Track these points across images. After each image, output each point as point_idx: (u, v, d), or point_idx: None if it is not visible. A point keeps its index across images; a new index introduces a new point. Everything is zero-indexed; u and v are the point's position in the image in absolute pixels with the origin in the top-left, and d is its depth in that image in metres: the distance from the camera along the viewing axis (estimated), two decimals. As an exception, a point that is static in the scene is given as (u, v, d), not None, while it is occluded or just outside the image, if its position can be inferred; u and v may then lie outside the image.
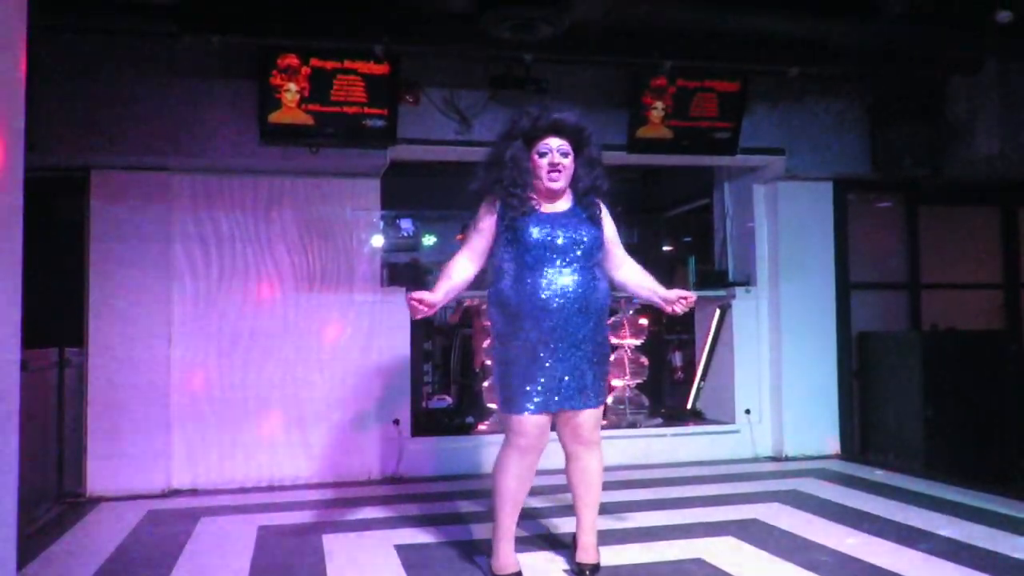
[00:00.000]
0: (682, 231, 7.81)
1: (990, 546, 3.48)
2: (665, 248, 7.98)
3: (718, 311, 5.99)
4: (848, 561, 3.31)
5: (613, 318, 6.08)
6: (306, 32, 4.53)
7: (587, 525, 3.13)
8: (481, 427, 5.56)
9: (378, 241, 5.30)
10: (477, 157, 5.10)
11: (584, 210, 3.10)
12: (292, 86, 4.63)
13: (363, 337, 5.14)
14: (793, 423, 5.68)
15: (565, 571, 3.20)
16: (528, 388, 2.94)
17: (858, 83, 5.61)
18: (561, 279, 2.97)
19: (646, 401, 5.96)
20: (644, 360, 6.01)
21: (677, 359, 6.71)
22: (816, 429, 5.71)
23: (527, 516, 3.68)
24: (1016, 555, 3.34)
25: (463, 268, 3.07)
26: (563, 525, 3.77)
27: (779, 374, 5.73)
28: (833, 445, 5.72)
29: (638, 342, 6.01)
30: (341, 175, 5.17)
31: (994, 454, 5.57)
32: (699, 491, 4.65)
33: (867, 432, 5.89)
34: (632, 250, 7.73)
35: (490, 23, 4.33)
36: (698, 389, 6.19)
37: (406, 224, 6.97)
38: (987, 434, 5.58)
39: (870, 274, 6.16)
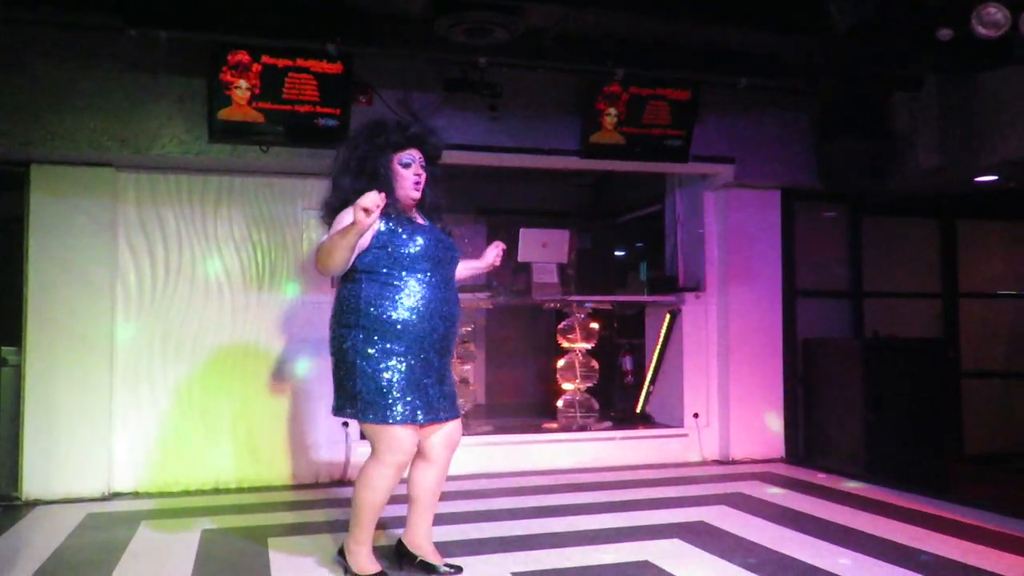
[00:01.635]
0: (635, 237, 7.90)
1: (921, 545, 3.59)
2: (618, 253, 8.06)
3: (668, 316, 6.07)
4: (788, 562, 3.38)
5: (564, 322, 6.13)
6: (257, 30, 4.46)
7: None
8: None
9: (329, 242, 5.25)
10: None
11: (436, 224, 3.16)
12: (243, 83, 4.57)
13: (312, 338, 5.08)
14: (739, 427, 5.78)
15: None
16: (410, 398, 2.94)
17: (806, 96, 5.73)
18: (438, 291, 3.02)
19: (596, 405, 6.01)
20: (594, 364, 6.05)
21: (627, 363, 6.77)
22: (761, 433, 5.82)
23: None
24: (945, 555, 3.46)
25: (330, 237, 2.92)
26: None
27: (727, 379, 5.83)
28: (777, 448, 5.83)
29: (589, 346, 6.05)
30: (292, 174, 5.11)
31: (930, 457, 5.72)
32: (646, 494, 4.70)
33: (811, 436, 6.01)
34: (585, 255, 7.82)
35: (445, 26, 4.33)
36: (647, 393, 6.26)
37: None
38: (924, 438, 5.74)
39: (815, 282, 6.30)
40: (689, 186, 6.22)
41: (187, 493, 4.75)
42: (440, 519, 3.79)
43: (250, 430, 4.96)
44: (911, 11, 4.26)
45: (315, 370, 5.05)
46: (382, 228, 2.97)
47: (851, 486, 4.91)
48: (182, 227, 4.95)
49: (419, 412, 2.96)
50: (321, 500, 4.56)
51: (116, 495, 4.67)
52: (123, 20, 4.20)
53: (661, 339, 6.12)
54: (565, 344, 6.08)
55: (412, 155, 3.05)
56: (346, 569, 3.11)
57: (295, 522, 4.06)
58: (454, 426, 3.15)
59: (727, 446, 5.80)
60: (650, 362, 6.25)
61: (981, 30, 3.90)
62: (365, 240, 2.93)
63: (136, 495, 4.69)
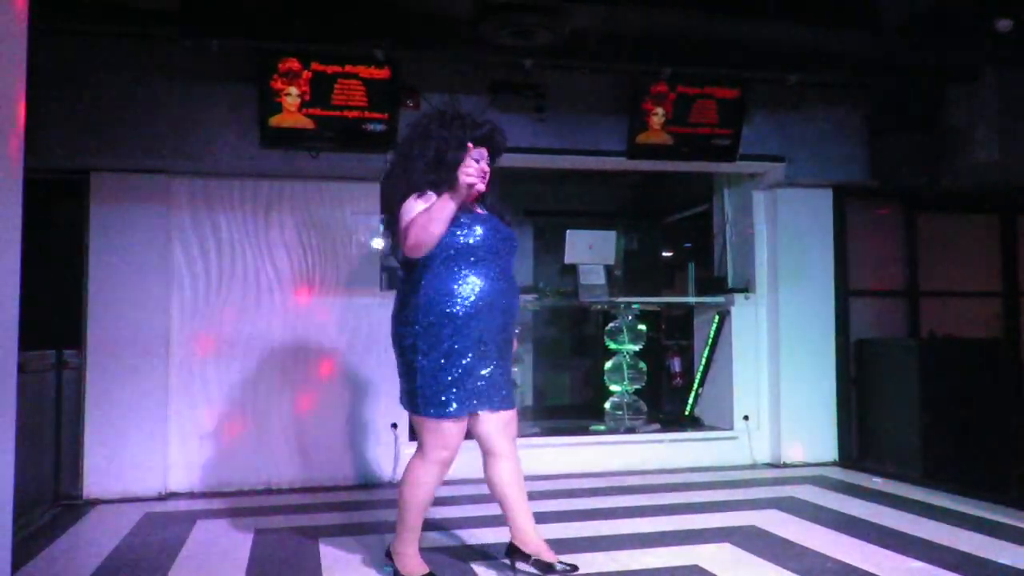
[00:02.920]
0: (681, 237, 7.82)
1: (987, 555, 3.47)
2: (665, 254, 7.99)
3: (717, 317, 6.00)
4: (846, 569, 3.30)
5: (611, 324, 6.09)
6: (307, 37, 4.54)
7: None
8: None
9: (377, 244, 5.31)
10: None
11: (495, 215, 3.18)
12: (293, 90, 4.64)
13: (361, 340, 5.14)
14: (791, 430, 5.68)
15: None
16: (462, 392, 2.97)
17: (857, 91, 5.62)
18: (497, 282, 3.04)
19: (644, 407, 5.96)
20: (642, 366, 6.01)
21: (676, 365, 6.71)
22: (814, 436, 5.71)
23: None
24: (1015, 564, 3.34)
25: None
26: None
27: (777, 381, 5.73)
28: (830, 452, 5.72)
29: (636, 347, 6.01)
30: (341, 179, 5.18)
31: (991, 462, 5.55)
32: (696, 497, 4.65)
33: (865, 439, 5.88)
34: (632, 256, 7.75)
35: (490, 29, 4.34)
36: (696, 395, 6.19)
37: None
38: (984, 442, 5.57)
39: (869, 281, 6.16)
40: (737, 185, 6.14)
41: (240, 493, 4.83)
42: (487, 521, 3.82)
43: (301, 431, 5.03)
44: (966, 1, 4.14)
45: (364, 372, 5.11)
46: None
47: (909, 491, 4.78)
48: (235, 232, 5.05)
49: (471, 402, 2.99)
50: (370, 501, 4.60)
51: (172, 495, 4.77)
52: (177, 31, 4.31)
53: (710, 341, 6.05)
54: (612, 346, 6.05)
55: (481, 151, 3.09)
56: (395, 572, 3.13)
57: (345, 523, 4.10)
58: (510, 416, 3.13)
59: (778, 449, 5.70)
60: (699, 364, 6.18)
61: (1042, 21, 3.78)
62: None
63: (192, 495, 4.79)
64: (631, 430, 5.78)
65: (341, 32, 4.54)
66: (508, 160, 5.30)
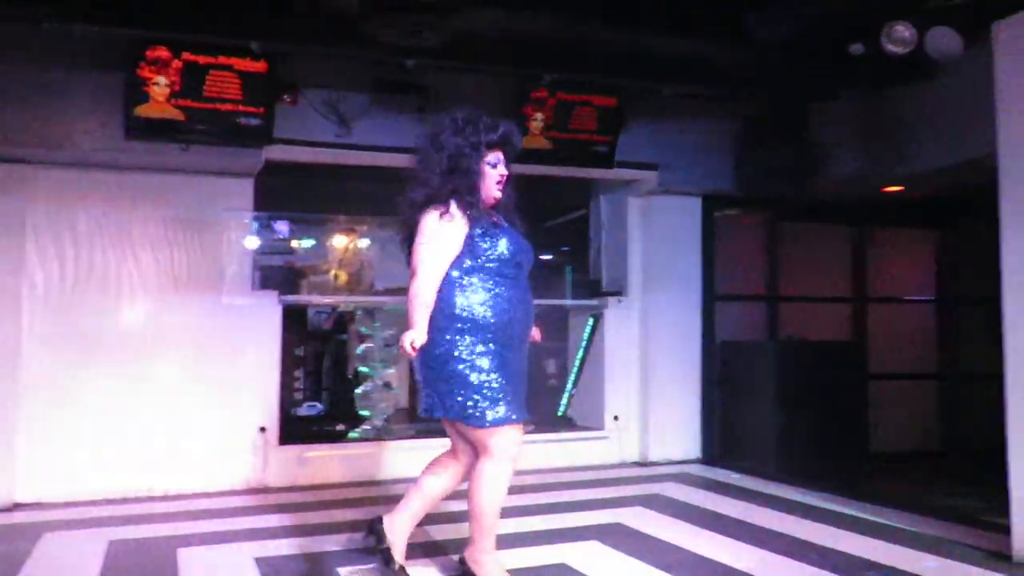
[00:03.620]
0: (561, 241, 7.96)
1: (833, 544, 3.73)
2: (544, 257, 8.12)
3: (591, 319, 6.15)
4: (702, 562, 3.47)
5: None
6: (179, 25, 4.35)
7: None
8: (352, 434, 5.49)
9: (250, 243, 5.16)
10: (357, 160, 5.18)
11: (514, 226, 3.18)
12: (162, 79, 4.46)
13: (231, 342, 4.98)
14: (658, 429, 5.90)
15: None
16: (512, 398, 2.98)
17: (729, 105, 5.87)
18: (524, 292, 3.09)
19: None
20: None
21: (551, 366, 6.83)
22: (680, 435, 5.94)
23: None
24: (856, 553, 3.60)
25: (434, 290, 2.97)
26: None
27: (646, 381, 5.94)
28: (694, 450, 5.97)
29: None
30: (213, 173, 5.00)
31: (840, 458, 5.93)
32: (566, 497, 4.76)
33: (727, 437, 6.17)
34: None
35: (375, 27, 4.29)
36: (569, 396, 6.33)
37: (281, 226, 6.81)
38: (834, 439, 5.95)
39: (734, 286, 6.47)
40: (614, 191, 6.31)
41: (94, 503, 4.58)
42: (358, 526, 3.77)
43: (163, 436, 4.82)
44: (828, 26, 4.41)
45: (233, 374, 4.96)
46: (470, 231, 2.99)
47: (765, 486, 5.06)
48: (95, 227, 4.78)
49: (520, 409, 3.02)
50: (237, 508, 4.47)
51: (19, 506, 4.48)
52: (37, 12, 4.04)
53: (584, 343, 6.20)
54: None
55: (498, 155, 3.09)
56: None
57: (208, 531, 3.97)
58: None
59: (646, 448, 5.91)
60: (572, 365, 6.32)
61: (890, 47, 4.07)
62: (457, 246, 2.97)
63: (40, 506, 4.50)
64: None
65: (215, 22, 4.37)
66: (391, 160, 5.31)
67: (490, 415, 2.94)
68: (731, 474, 5.44)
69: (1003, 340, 3.61)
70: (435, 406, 3.02)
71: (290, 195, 6.10)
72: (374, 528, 3.17)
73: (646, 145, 5.77)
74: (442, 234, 2.96)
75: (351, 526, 3.89)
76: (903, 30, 4.04)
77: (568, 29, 4.70)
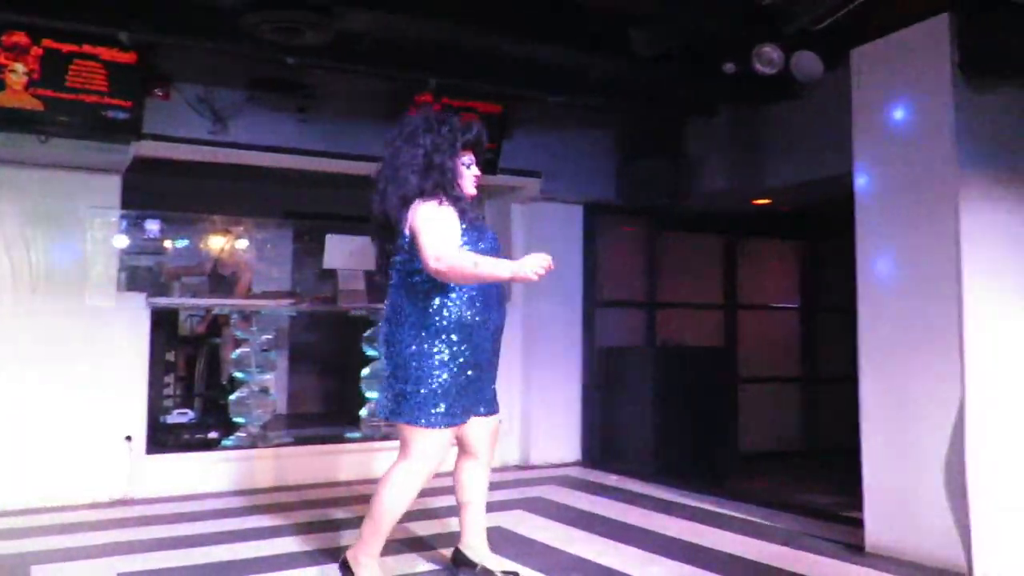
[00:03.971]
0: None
1: (701, 541, 3.89)
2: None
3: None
4: (580, 563, 3.55)
5: (371, 330, 6.05)
6: (39, 9, 4.08)
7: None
8: (226, 442, 5.29)
9: (117, 242, 4.90)
10: (234, 159, 5.02)
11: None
12: (19, 67, 4.21)
13: (94, 346, 4.71)
14: (539, 433, 5.98)
15: None
16: (456, 401, 2.96)
17: (611, 115, 6.04)
18: (494, 287, 3.10)
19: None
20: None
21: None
22: (561, 438, 6.05)
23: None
24: (719, 548, 3.77)
25: (466, 253, 2.89)
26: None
27: (528, 386, 6.02)
28: (575, 453, 6.08)
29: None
30: (76, 168, 4.73)
31: (711, 458, 6.18)
32: (447, 501, 4.70)
33: (607, 440, 6.32)
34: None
35: (254, 22, 4.15)
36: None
37: (152, 225, 6.49)
38: (707, 440, 6.19)
39: (616, 293, 6.64)
40: (498, 197, 6.37)
41: (-61, 519, 4.24)
42: (241, 536, 3.65)
43: (17, 447, 4.50)
44: (706, 44, 4.60)
45: (96, 381, 4.69)
46: (464, 227, 2.96)
47: (641, 487, 5.21)
48: (-60, 221, 4.43)
49: (465, 413, 3.01)
50: (99, 521, 4.23)
51: None
52: None
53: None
54: (371, 352, 6.01)
55: (470, 156, 3.09)
56: None
57: (66, 546, 3.73)
58: (496, 420, 3.25)
59: (527, 451, 5.98)
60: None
61: (759, 67, 4.27)
62: (457, 232, 2.93)
63: None
64: (386, 437, 5.77)
65: (80, 7, 4.13)
66: (268, 159, 5.16)
67: (416, 417, 2.92)
68: (609, 476, 5.58)
69: (857, 346, 3.88)
70: (387, 406, 3.02)
71: (163, 193, 5.84)
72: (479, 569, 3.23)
73: (529, 153, 5.85)
74: (444, 216, 2.91)
75: (220, 537, 3.75)
76: (771, 52, 4.25)
77: (455, 34, 4.70)
